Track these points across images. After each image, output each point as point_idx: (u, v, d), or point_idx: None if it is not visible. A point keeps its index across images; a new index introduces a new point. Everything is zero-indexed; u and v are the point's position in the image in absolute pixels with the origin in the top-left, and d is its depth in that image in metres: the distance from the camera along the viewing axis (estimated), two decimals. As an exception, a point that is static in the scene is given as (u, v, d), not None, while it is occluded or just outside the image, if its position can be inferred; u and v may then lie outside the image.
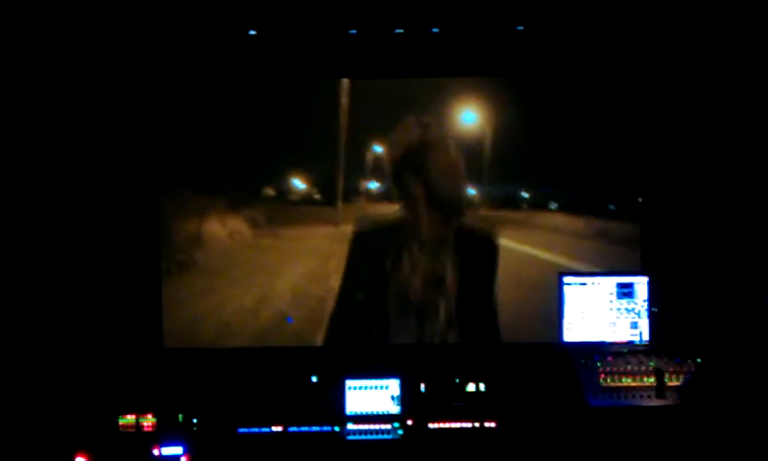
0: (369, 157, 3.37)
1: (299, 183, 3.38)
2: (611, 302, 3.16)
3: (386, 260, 3.40)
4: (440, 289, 3.43)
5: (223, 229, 3.35)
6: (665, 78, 3.29)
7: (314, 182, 3.40)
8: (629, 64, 3.32)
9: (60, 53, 3.08)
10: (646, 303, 3.16)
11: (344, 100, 3.33)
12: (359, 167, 3.37)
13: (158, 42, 3.21)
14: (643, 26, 3.22)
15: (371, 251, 3.41)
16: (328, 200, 3.40)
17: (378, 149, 3.36)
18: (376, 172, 3.38)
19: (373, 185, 3.40)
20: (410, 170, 3.44)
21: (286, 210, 3.37)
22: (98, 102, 3.18)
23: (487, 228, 3.44)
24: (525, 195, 3.45)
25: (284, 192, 3.38)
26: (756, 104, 3.14)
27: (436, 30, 3.25)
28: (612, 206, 3.43)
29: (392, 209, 3.40)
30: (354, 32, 3.26)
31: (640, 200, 3.40)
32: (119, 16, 3.08)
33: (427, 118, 3.39)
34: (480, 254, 3.47)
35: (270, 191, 3.36)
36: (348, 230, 3.38)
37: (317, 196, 3.40)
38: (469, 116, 3.38)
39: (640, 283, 3.16)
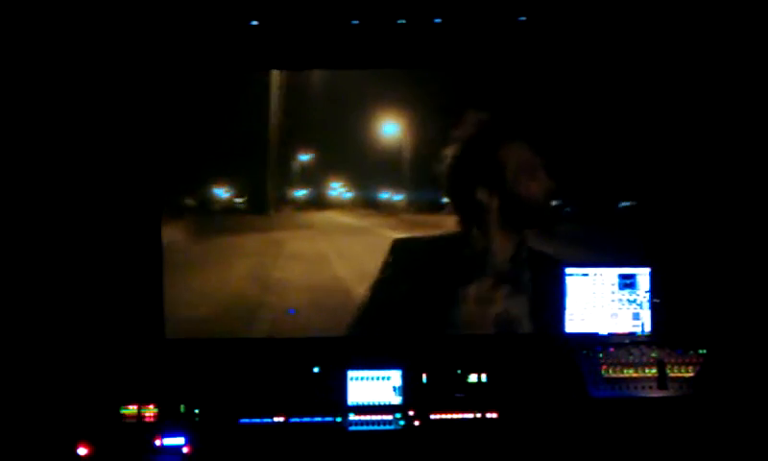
0: (296, 162, 3.21)
1: (221, 192, 3.21)
2: (612, 293, 3.17)
3: (438, 292, 3.17)
4: (510, 330, 3.19)
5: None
6: (663, 68, 3.26)
7: (239, 190, 3.22)
8: (626, 56, 3.28)
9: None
10: (648, 294, 3.16)
11: (274, 97, 3.18)
12: (287, 173, 3.21)
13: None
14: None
15: (408, 266, 3.21)
16: (255, 208, 3.23)
17: (305, 157, 3.20)
18: (305, 178, 3.20)
19: (301, 193, 3.22)
20: (476, 176, 3.17)
21: (210, 220, 3.21)
22: (100, 101, 3.17)
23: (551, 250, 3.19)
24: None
25: (206, 201, 3.21)
26: (758, 92, 3.13)
27: (438, 20, 3.21)
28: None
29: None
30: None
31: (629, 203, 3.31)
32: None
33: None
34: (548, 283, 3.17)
35: (191, 201, 3.20)
36: (278, 236, 3.21)
37: (241, 204, 3.23)
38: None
39: (642, 274, 3.17)
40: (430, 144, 3.21)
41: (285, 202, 3.23)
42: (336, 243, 3.26)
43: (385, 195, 3.25)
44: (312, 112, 3.21)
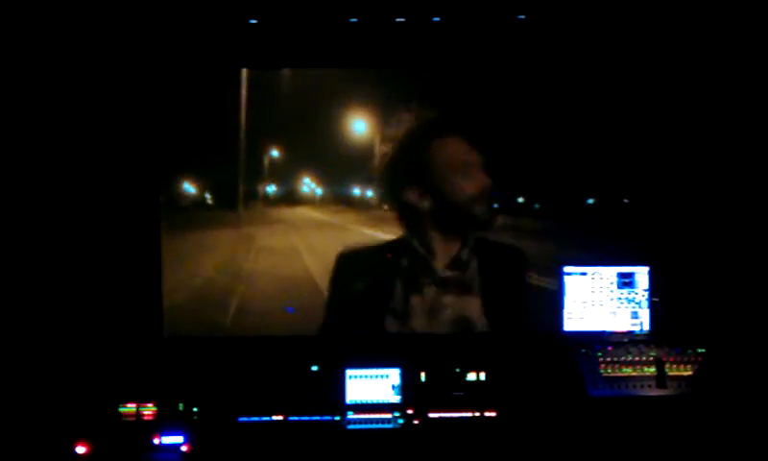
0: (266, 158, 3.22)
1: (189, 187, 3.23)
2: (611, 291, 3.16)
3: (388, 302, 3.18)
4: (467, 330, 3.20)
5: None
6: (662, 65, 3.25)
7: (207, 186, 3.23)
8: (625, 55, 3.27)
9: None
10: (647, 293, 3.16)
11: (243, 94, 3.19)
12: (257, 169, 3.22)
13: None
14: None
15: (358, 279, 3.21)
16: (224, 204, 3.25)
17: (275, 153, 3.21)
18: (274, 174, 3.22)
19: (272, 189, 3.24)
20: (409, 176, 3.16)
21: (180, 216, 3.23)
22: (95, 96, 3.16)
23: (511, 241, 3.19)
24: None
25: (174, 197, 3.23)
26: (753, 89, 3.12)
27: (438, 18, 3.20)
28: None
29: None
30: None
31: (626, 200, 3.30)
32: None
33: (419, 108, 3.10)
34: (508, 274, 3.17)
35: (161, 197, 3.23)
36: (249, 231, 3.24)
37: (210, 200, 3.24)
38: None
39: (641, 273, 3.17)
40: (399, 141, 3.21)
41: (256, 198, 3.26)
42: (307, 238, 3.30)
43: (356, 191, 3.27)
44: (282, 109, 3.23)
